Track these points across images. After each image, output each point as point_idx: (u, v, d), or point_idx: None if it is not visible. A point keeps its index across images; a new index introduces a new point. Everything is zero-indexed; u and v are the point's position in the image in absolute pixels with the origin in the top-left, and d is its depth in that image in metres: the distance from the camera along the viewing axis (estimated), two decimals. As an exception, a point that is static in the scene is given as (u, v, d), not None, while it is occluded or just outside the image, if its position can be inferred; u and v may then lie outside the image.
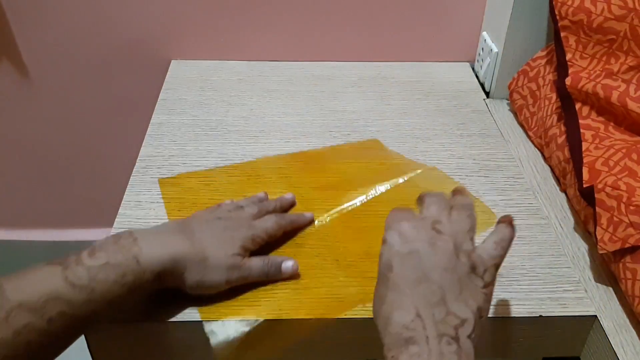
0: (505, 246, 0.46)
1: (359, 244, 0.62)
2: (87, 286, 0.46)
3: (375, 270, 0.46)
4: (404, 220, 0.45)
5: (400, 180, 0.68)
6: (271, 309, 0.56)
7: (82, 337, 0.55)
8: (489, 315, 0.56)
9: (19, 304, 0.43)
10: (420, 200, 0.49)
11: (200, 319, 0.55)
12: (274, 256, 0.59)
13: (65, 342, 0.47)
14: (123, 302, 0.49)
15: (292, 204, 0.66)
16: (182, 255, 0.51)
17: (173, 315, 0.55)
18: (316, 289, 0.58)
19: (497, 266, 0.45)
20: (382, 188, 0.67)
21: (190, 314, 0.55)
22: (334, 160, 0.74)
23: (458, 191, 0.50)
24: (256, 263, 0.56)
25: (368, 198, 0.67)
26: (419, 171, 0.70)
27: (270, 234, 0.59)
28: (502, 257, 0.45)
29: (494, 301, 0.57)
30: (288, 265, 0.57)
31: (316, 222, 0.64)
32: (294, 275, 0.58)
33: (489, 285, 0.43)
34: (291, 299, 0.57)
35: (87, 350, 0.57)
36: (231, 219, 0.58)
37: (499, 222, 0.48)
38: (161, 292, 0.54)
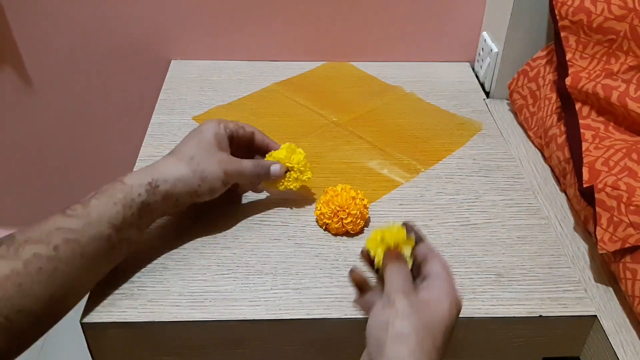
0: None
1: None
2: (83, 213, 0.52)
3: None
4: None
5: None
6: (271, 309, 0.56)
7: (82, 337, 0.55)
8: (490, 315, 0.56)
9: (25, 240, 0.49)
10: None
11: (200, 319, 0.55)
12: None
13: (78, 266, 0.51)
14: (126, 220, 0.54)
15: None
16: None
17: (173, 315, 0.55)
18: (316, 289, 0.58)
19: None
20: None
21: (190, 314, 0.55)
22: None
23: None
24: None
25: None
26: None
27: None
28: None
29: (494, 301, 0.57)
30: (276, 167, 0.64)
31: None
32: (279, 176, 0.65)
33: None
34: (291, 299, 0.57)
35: (87, 350, 0.57)
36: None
37: None
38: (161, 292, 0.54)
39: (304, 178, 0.66)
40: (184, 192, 0.58)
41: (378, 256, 0.48)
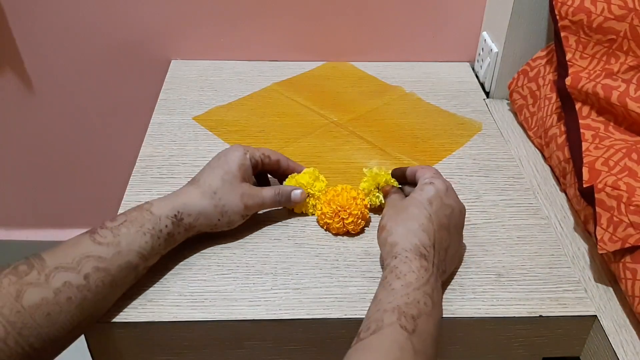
0: None
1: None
2: (113, 241, 0.52)
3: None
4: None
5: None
6: (271, 309, 0.56)
7: (82, 337, 0.55)
8: (490, 315, 0.56)
9: (55, 266, 0.49)
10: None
11: (200, 319, 0.55)
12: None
13: (105, 294, 0.52)
14: (154, 249, 0.55)
15: None
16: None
17: (173, 315, 0.55)
18: (316, 289, 0.58)
19: None
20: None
21: (190, 314, 0.55)
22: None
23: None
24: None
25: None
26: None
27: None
28: None
29: (494, 301, 0.57)
30: (297, 193, 0.65)
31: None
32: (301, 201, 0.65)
33: None
34: (291, 299, 0.57)
35: (87, 350, 0.57)
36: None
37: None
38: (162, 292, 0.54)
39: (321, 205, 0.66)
40: (204, 225, 0.59)
41: (374, 197, 0.65)
